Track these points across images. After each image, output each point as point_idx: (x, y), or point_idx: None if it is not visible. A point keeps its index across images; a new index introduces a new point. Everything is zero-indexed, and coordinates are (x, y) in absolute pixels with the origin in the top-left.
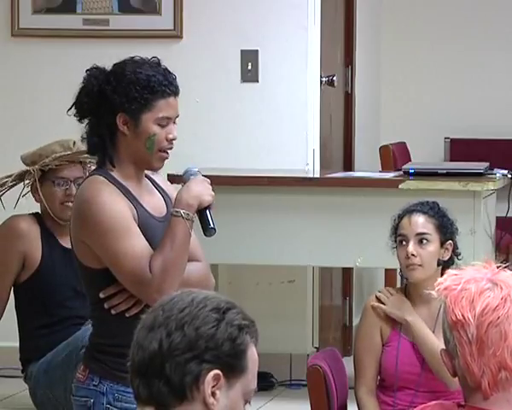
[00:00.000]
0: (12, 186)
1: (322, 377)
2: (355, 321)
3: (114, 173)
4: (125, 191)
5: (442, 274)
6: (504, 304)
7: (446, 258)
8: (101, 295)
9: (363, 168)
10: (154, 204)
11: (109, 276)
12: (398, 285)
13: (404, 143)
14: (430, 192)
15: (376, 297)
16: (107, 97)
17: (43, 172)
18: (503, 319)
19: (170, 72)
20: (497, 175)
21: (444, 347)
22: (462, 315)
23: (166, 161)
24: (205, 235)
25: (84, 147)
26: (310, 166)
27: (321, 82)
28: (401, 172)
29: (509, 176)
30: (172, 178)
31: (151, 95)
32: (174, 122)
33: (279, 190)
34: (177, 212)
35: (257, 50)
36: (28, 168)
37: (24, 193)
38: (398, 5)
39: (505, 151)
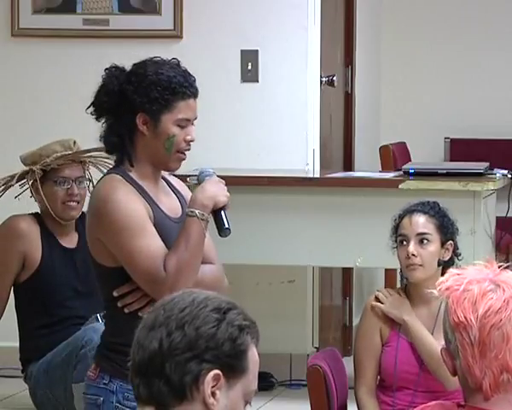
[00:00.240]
0: (13, 185)
1: (322, 377)
2: (355, 321)
3: (131, 173)
4: (142, 191)
5: (442, 274)
6: (507, 306)
7: (447, 258)
8: (115, 294)
9: (363, 168)
10: (170, 205)
11: (123, 275)
12: (399, 285)
13: (404, 143)
14: (430, 192)
15: (376, 297)
16: (128, 97)
17: (44, 172)
18: (505, 322)
19: (190, 73)
20: (497, 175)
21: (442, 346)
22: (465, 317)
23: None
24: (220, 235)
25: (83, 146)
26: (310, 166)
27: (321, 82)
28: (401, 172)
29: (509, 176)
30: None
31: (172, 96)
32: (192, 124)
33: (279, 190)
34: (192, 212)
35: (257, 50)
36: (30, 168)
37: (16, 194)
38: (398, 5)
39: (505, 151)
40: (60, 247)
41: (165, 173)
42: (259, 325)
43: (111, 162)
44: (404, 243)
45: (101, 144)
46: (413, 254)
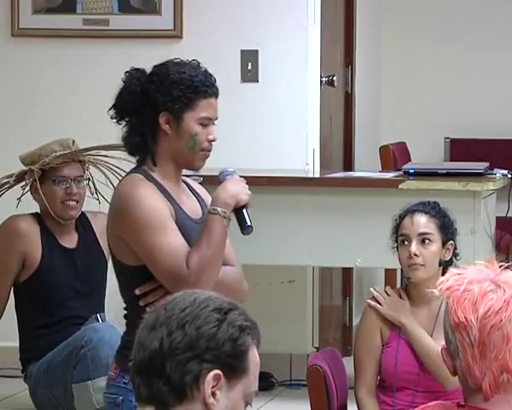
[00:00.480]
0: (13, 186)
1: (322, 377)
2: (355, 321)
3: (153, 173)
4: (164, 191)
5: (443, 274)
6: (507, 307)
7: (447, 258)
8: (137, 292)
9: (363, 168)
10: (191, 206)
11: (145, 274)
12: (399, 285)
13: (404, 143)
14: (430, 192)
15: (374, 297)
16: (150, 96)
17: (43, 172)
18: (505, 322)
19: (210, 74)
20: (497, 175)
21: (443, 346)
22: (465, 317)
23: None
24: (242, 233)
25: (82, 145)
26: (310, 166)
27: (321, 82)
28: (401, 172)
29: (509, 176)
30: None
31: (194, 94)
32: (213, 124)
33: (279, 190)
34: (214, 210)
35: (257, 50)
36: (29, 167)
37: (18, 196)
38: (398, 5)
39: (505, 151)
40: (60, 247)
41: (185, 178)
42: (259, 325)
43: (110, 162)
44: (406, 242)
45: (100, 143)
46: (415, 254)
